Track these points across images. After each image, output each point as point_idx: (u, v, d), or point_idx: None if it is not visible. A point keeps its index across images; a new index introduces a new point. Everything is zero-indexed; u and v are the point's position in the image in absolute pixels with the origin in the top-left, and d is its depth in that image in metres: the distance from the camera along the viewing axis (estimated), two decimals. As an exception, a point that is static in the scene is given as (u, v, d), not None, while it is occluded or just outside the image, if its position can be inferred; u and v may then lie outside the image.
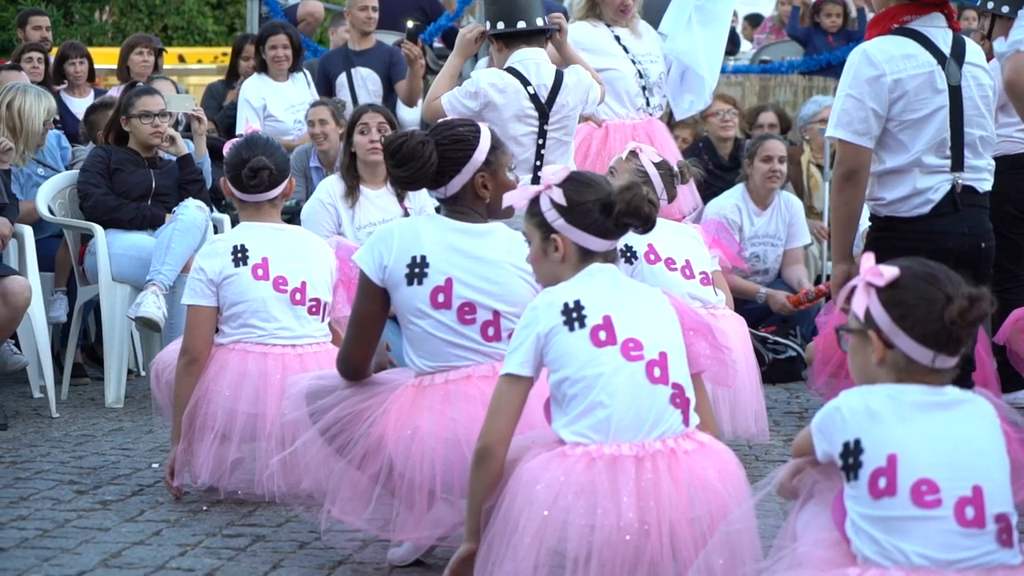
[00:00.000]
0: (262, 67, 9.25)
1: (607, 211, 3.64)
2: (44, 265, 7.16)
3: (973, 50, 4.88)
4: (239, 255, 5.09)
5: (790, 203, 8.20)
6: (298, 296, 5.11)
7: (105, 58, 12.83)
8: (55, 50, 9.89)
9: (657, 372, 3.56)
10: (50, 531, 4.69)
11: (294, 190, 5.37)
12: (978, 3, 6.42)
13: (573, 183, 3.70)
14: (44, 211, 7.05)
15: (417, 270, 4.09)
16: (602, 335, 3.55)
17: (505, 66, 6.28)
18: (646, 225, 3.66)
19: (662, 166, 5.87)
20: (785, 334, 7.76)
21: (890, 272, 3.06)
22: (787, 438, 6.14)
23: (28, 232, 6.89)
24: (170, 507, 5.00)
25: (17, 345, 6.88)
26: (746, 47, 14.05)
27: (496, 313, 4.08)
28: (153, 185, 7.14)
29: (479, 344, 4.10)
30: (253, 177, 5.10)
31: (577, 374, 3.53)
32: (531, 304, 3.65)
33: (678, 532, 3.43)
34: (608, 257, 3.72)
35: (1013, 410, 3.27)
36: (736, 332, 5.69)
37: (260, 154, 5.11)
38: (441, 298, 4.08)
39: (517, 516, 3.45)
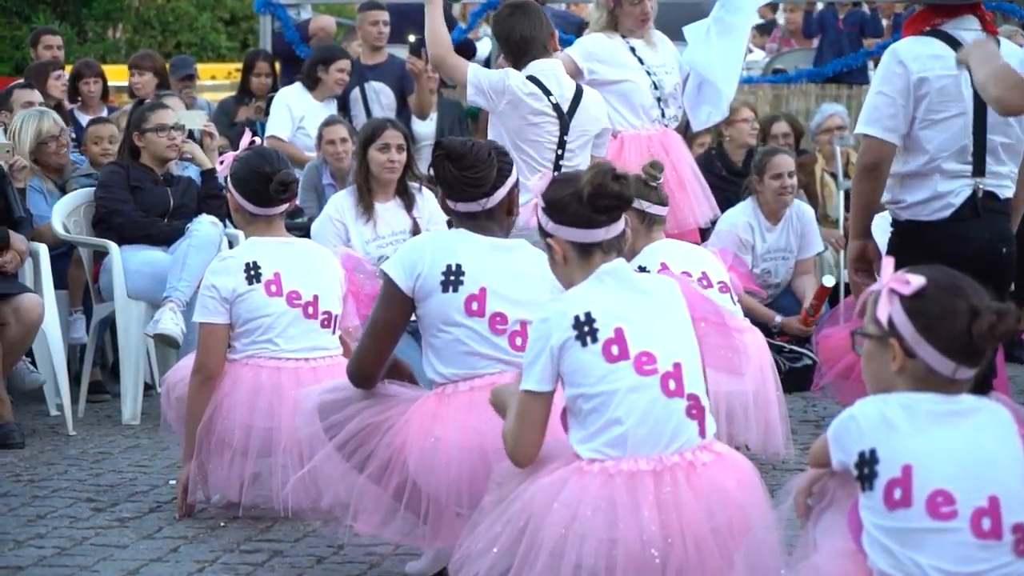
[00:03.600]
0: (314, 85, 9.34)
1: (579, 199, 3.64)
2: (58, 283, 7.16)
3: (1007, 54, 4.85)
4: (252, 272, 5.08)
5: (802, 212, 8.08)
6: (311, 310, 5.11)
7: (118, 75, 12.83)
8: (68, 67, 9.92)
9: (672, 385, 3.55)
10: (68, 549, 4.70)
11: (308, 207, 5.38)
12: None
13: (552, 184, 3.74)
14: (59, 229, 7.06)
15: (453, 278, 4.12)
16: (615, 350, 3.54)
17: (525, 75, 6.30)
18: (620, 201, 3.66)
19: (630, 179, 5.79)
20: (801, 342, 7.73)
21: (917, 281, 3.01)
22: (804, 447, 6.11)
23: (43, 251, 6.89)
24: (187, 523, 5.00)
25: (33, 363, 6.88)
26: (758, 56, 13.99)
27: (523, 324, 4.08)
28: (171, 203, 7.14)
29: (507, 354, 4.11)
30: (284, 191, 5.11)
31: (592, 390, 3.53)
32: (541, 315, 3.63)
33: (702, 543, 3.43)
34: (608, 247, 3.69)
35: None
36: (755, 346, 5.67)
37: (280, 168, 5.13)
38: (475, 306, 4.11)
39: (533, 533, 3.45)
